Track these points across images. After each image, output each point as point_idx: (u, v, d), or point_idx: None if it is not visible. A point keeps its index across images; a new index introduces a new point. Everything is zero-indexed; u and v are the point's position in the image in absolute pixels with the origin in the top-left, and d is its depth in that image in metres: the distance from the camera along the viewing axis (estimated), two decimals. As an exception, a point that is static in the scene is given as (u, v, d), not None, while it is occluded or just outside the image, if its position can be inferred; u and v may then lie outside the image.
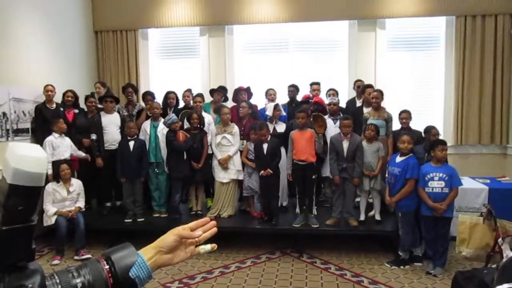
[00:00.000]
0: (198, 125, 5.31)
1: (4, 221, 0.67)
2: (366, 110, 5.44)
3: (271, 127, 5.26)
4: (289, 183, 5.23)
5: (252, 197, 5.29)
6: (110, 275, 0.77)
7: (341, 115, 5.25)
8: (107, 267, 0.79)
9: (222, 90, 6.09)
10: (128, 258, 0.82)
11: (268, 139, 4.94)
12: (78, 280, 0.73)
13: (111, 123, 5.56)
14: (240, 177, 5.24)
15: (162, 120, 5.36)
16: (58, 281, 0.71)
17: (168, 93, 5.95)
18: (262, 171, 4.90)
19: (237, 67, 7.07)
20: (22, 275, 0.67)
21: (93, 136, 5.43)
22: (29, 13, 5.54)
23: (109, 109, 5.59)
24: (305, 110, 5.07)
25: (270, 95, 5.93)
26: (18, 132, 5.31)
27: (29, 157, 0.68)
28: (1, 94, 5.03)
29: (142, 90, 6.71)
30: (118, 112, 5.81)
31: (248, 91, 5.99)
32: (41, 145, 5.12)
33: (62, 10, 6.35)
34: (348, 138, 4.81)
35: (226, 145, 5.23)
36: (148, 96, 6.03)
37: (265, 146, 4.94)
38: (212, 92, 6.05)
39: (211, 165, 5.32)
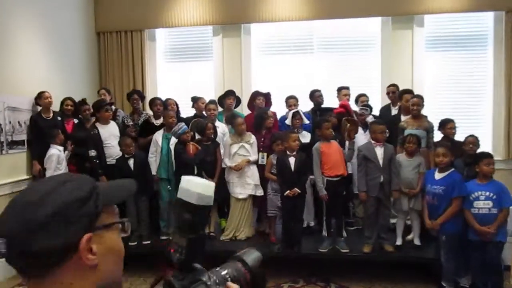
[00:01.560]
0: (212, 136, 5.36)
1: (190, 232, 1.01)
2: (403, 118, 5.42)
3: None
4: (316, 201, 5.26)
5: (274, 218, 5.27)
6: (246, 270, 1.02)
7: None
8: (240, 264, 1.04)
9: (232, 94, 6.13)
10: (253, 254, 1.07)
11: (295, 152, 4.91)
12: (224, 272, 1.00)
13: (110, 135, 5.58)
14: (259, 193, 5.26)
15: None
16: (211, 274, 0.99)
17: (167, 99, 6.07)
18: (287, 191, 4.83)
19: (254, 71, 7.11)
20: (197, 273, 0.99)
21: (92, 153, 5.42)
22: (26, 14, 5.69)
23: (106, 119, 5.62)
24: (330, 119, 5.09)
25: (290, 105, 5.91)
26: (13, 144, 5.39)
27: (205, 184, 1.02)
28: (-5, 104, 5.13)
29: (148, 97, 6.79)
30: (123, 121, 5.88)
31: (267, 97, 6.03)
32: (39, 158, 5.29)
33: (61, 9, 6.47)
34: (381, 145, 4.79)
35: (245, 155, 5.29)
36: (157, 102, 6.01)
37: (291, 160, 4.87)
38: (221, 99, 6.09)
39: (225, 181, 5.37)
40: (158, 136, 5.54)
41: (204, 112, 5.94)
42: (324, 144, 4.95)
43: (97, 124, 5.61)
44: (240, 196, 5.26)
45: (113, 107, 6.05)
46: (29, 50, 5.76)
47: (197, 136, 5.52)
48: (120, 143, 5.35)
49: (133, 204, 5.30)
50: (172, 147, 5.38)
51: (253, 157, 5.28)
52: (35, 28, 5.91)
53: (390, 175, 4.74)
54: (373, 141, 4.84)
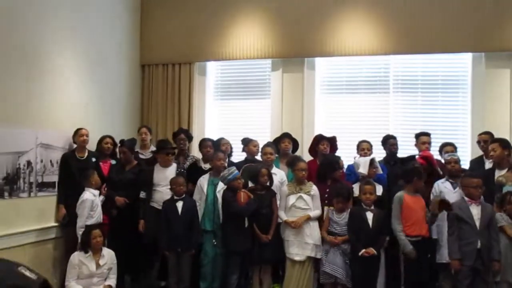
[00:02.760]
0: (267, 183, 5.33)
1: None
2: (499, 172, 5.17)
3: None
4: (388, 267, 5.12)
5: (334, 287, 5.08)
6: None
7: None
8: None
9: (288, 136, 6.13)
10: None
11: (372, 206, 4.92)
12: None
13: (165, 179, 5.60)
14: (319, 255, 5.13)
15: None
16: None
17: (220, 140, 6.13)
18: (363, 250, 4.74)
19: (318, 111, 7.11)
20: None
21: (142, 194, 5.56)
22: (66, 42, 5.88)
23: (167, 162, 5.69)
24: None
25: (363, 149, 5.90)
26: (43, 186, 5.43)
27: None
28: (27, 139, 5.20)
29: (196, 138, 6.83)
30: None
31: (332, 142, 5.99)
32: (66, 202, 5.40)
33: (105, 38, 6.69)
34: (477, 203, 4.64)
35: (303, 209, 5.19)
36: (207, 144, 6.04)
37: (369, 215, 4.86)
38: (276, 143, 6.07)
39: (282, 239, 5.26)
40: (204, 181, 5.56)
41: (258, 157, 5.98)
42: (409, 196, 4.89)
43: (156, 166, 5.73)
44: (297, 258, 5.13)
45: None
46: (69, 81, 5.92)
47: (250, 184, 5.50)
48: (171, 182, 5.40)
49: (174, 258, 5.26)
50: (219, 194, 5.39)
51: (314, 211, 5.18)
52: (76, 57, 6.08)
53: (490, 240, 4.54)
54: (466, 198, 4.69)
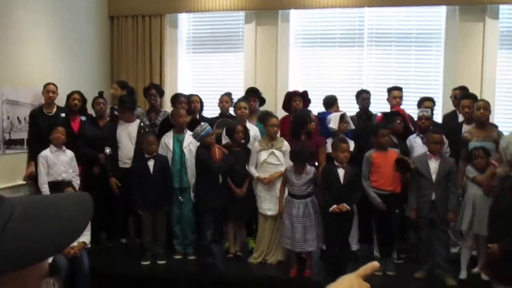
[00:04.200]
0: (243, 141, 5.39)
1: None
2: (466, 127, 5.32)
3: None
4: (360, 221, 5.34)
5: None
6: None
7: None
8: None
9: (254, 93, 6.19)
10: None
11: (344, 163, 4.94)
12: None
13: (125, 134, 5.66)
14: None
15: (188, 132, 5.47)
16: None
17: (190, 96, 6.12)
18: (334, 205, 4.81)
19: (292, 65, 7.13)
20: None
21: (107, 150, 5.56)
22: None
23: (128, 117, 5.70)
24: (390, 125, 5.14)
25: (329, 102, 6.00)
26: (10, 143, 5.42)
27: None
28: (-8, 96, 5.15)
29: (167, 93, 6.86)
30: (140, 120, 5.91)
31: (304, 97, 6.02)
32: (35, 161, 5.33)
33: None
34: (437, 158, 4.82)
35: (274, 164, 5.28)
36: (181, 100, 6.01)
37: (340, 172, 4.90)
38: (245, 98, 6.08)
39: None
40: (168, 139, 5.56)
41: (232, 112, 6.06)
42: (377, 153, 5.03)
43: (120, 122, 5.72)
44: (269, 213, 5.26)
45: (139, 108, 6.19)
46: (34, 36, 5.79)
47: (225, 141, 5.59)
48: (141, 141, 5.40)
49: (149, 216, 5.37)
50: (186, 150, 5.45)
51: (286, 168, 5.18)
52: (42, 11, 5.93)
53: (447, 193, 4.77)
54: (428, 153, 4.88)
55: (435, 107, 6.02)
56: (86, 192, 0.81)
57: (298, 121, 5.47)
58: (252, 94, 6.19)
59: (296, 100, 5.94)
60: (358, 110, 6.22)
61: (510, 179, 3.43)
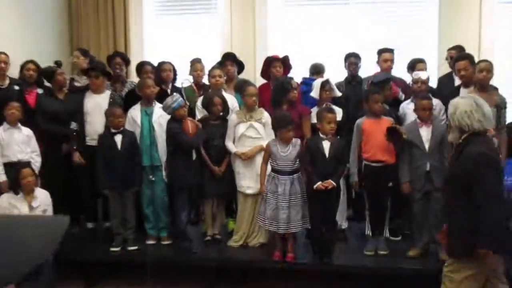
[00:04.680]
0: (221, 113, 5.38)
1: None
2: (464, 91, 5.29)
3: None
4: (349, 196, 5.40)
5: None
6: None
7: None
8: None
9: (232, 58, 6.17)
10: None
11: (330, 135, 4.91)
12: None
13: (94, 107, 5.61)
14: None
15: (158, 104, 5.45)
16: None
17: (161, 64, 6.04)
18: (319, 183, 4.78)
19: (271, 28, 7.12)
20: None
21: (73, 125, 5.54)
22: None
23: (96, 88, 5.65)
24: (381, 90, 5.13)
25: (316, 70, 6.06)
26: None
27: None
28: None
29: (134, 61, 6.75)
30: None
31: (285, 63, 5.99)
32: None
33: None
34: (428, 125, 4.84)
35: (254, 138, 5.30)
36: (147, 68, 6.01)
37: (325, 145, 4.87)
38: (220, 65, 6.07)
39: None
40: (135, 112, 5.52)
41: (205, 80, 6.02)
42: (370, 120, 5.02)
43: (88, 93, 5.70)
44: (249, 191, 5.27)
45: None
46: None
47: (199, 114, 5.60)
48: (107, 113, 5.35)
49: (117, 197, 5.35)
50: (156, 124, 5.42)
51: (267, 141, 5.16)
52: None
53: (441, 161, 4.77)
54: (418, 121, 4.91)
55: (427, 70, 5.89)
56: (66, 217, 0.84)
57: (279, 90, 5.46)
58: (229, 58, 6.15)
59: (276, 67, 5.91)
60: (346, 75, 6.21)
61: (459, 146, 3.47)
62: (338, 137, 5.06)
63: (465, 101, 3.48)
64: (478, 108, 3.41)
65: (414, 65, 6.01)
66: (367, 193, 5.07)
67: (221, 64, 6.03)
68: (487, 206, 3.24)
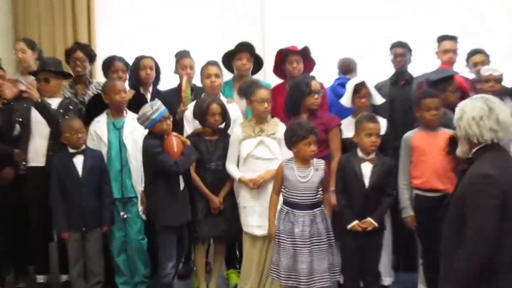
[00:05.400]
0: (220, 125, 5.25)
1: None
2: None
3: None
4: (397, 237, 5.33)
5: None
6: None
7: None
8: None
9: (248, 48, 5.96)
10: None
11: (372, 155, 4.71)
12: None
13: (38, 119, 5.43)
14: None
15: (131, 114, 5.32)
16: None
17: (140, 59, 5.89)
18: (355, 222, 4.57)
19: (283, 14, 7.16)
20: None
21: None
22: None
23: (47, 94, 5.46)
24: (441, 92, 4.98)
25: (345, 68, 6.20)
26: None
27: None
28: None
29: (100, 56, 6.55)
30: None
31: (305, 54, 5.77)
32: None
33: None
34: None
35: (265, 159, 5.07)
36: (117, 66, 5.85)
37: (365, 168, 4.63)
38: (228, 57, 5.94)
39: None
40: (100, 125, 5.36)
41: (195, 82, 5.99)
42: (422, 134, 4.88)
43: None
44: (259, 232, 5.04)
45: None
46: None
47: (187, 128, 5.46)
48: (63, 128, 5.13)
49: (78, 242, 5.19)
50: (127, 142, 5.25)
51: (281, 162, 4.89)
52: None
53: None
54: None
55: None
56: None
57: (294, 93, 5.26)
58: (246, 49, 5.91)
59: (293, 62, 5.69)
60: (392, 73, 6.11)
61: (466, 164, 3.39)
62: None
63: (474, 104, 3.35)
64: (491, 113, 3.26)
65: (471, 57, 5.98)
66: (419, 234, 4.95)
67: (232, 56, 5.87)
68: (466, 249, 3.13)
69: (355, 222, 4.55)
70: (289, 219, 4.57)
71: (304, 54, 5.76)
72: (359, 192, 4.59)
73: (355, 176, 4.60)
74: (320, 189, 4.61)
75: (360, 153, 4.65)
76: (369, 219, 4.54)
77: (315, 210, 4.57)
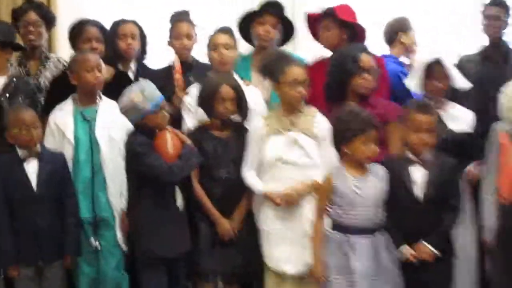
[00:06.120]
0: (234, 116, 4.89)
1: None
2: None
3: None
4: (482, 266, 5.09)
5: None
6: None
7: None
8: None
9: (275, 9, 5.67)
10: None
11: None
12: None
13: None
14: None
15: (107, 101, 5.04)
16: None
17: (118, 24, 5.75)
18: (404, 247, 4.25)
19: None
20: None
21: None
22: None
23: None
24: None
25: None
26: None
27: None
28: None
29: (63, 20, 6.46)
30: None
31: (350, 23, 5.46)
32: None
33: None
34: None
35: (300, 165, 4.67)
36: (90, 32, 5.59)
37: (417, 173, 4.34)
38: (247, 22, 5.69)
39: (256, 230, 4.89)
40: (64, 116, 5.03)
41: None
42: None
43: None
44: (289, 270, 4.65)
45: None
46: None
47: (187, 120, 5.14)
48: (10, 121, 4.78)
49: (32, 280, 4.79)
50: (100, 139, 4.92)
51: (321, 169, 4.65)
52: None
53: None
54: None
55: None
56: None
57: (338, 70, 4.95)
58: (271, 10, 5.62)
59: (332, 28, 5.42)
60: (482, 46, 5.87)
61: None
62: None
63: None
64: None
65: None
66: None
67: (252, 18, 5.61)
68: None
69: (405, 247, 4.29)
70: (343, 250, 4.29)
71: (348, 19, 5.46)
72: (409, 207, 4.37)
73: (402, 184, 4.38)
74: (382, 205, 4.36)
75: (409, 155, 4.42)
76: (423, 244, 4.25)
77: (376, 235, 4.35)
